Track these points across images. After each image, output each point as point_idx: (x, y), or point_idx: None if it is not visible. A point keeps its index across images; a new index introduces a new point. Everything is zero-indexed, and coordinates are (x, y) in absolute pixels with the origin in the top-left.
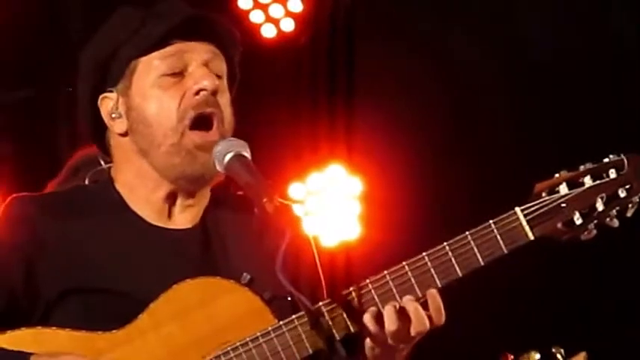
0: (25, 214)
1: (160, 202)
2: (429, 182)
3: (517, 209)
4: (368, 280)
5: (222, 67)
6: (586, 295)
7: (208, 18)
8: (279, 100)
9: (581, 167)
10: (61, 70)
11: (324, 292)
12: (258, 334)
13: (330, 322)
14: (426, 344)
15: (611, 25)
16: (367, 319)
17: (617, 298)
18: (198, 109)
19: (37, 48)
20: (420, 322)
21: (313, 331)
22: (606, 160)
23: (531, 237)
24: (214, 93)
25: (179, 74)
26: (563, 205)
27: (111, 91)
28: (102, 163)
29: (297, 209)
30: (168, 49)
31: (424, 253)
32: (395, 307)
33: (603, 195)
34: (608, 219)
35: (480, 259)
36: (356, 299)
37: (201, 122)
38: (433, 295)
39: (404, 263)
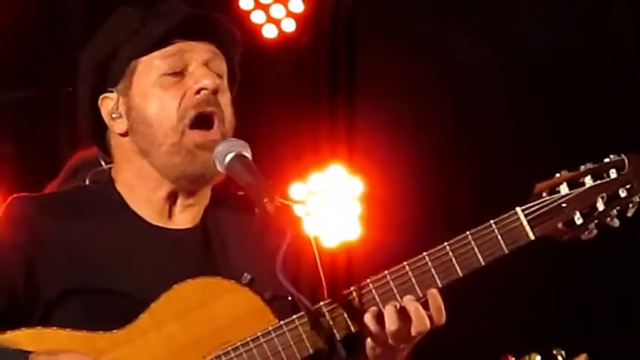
0: (26, 214)
1: (161, 202)
2: (430, 182)
3: (518, 209)
4: (369, 280)
5: (222, 66)
6: (586, 295)
7: (209, 18)
8: (280, 101)
9: (582, 167)
10: (61, 70)
11: (325, 292)
12: (259, 333)
13: (331, 322)
14: (427, 344)
15: (611, 25)
16: (368, 318)
17: (618, 298)
18: (199, 108)
19: (37, 48)
20: (420, 322)
21: (314, 331)
22: (607, 160)
23: (532, 237)
24: (215, 92)
25: (179, 74)
26: (564, 205)
27: (111, 91)
28: (102, 163)
29: (297, 209)
30: (169, 49)
31: (425, 253)
32: (396, 306)
33: (604, 195)
34: (608, 219)
35: (481, 259)
36: (357, 299)
37: (202, 121)
38: (434, 295)
39: (404, 263)
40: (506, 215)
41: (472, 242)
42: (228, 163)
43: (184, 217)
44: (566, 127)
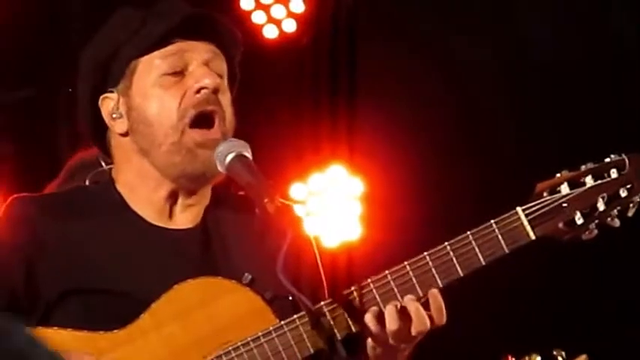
0: (26, 214)
1: (162, 202)
2: (430, 182)
3: (518, 209)
4: (369, 280)
5: (222, 66)
6: (586, 295)
7: (209, 17)
8: (281, 101)
9: (583, 167)
10: (61, 70)
11: (326, 292)
12: (260, 333)
13: (332, 322)
14: (426, 344)
15: (611, 25)
16: (368, 318)
17: (618, 298)
18: (199, 107)
19: (37, 48)
20: (420, 322)
21: (314, 330)
22: (607, 159)
23: (532, 237)
24: (215, 91)
25: (180, 73)
26: (565, 204)
27: (111, 92)
28: (103, 164)
29: (298, 209)
30: (169, 49)
31: (425, 253)
32: (396, 306)
33: (604, 195)
34: (609, 219)
35: (482, 259)
36: (357, 299)
37: (202, 120)
38: (434, 295)
39: (405, 263)
40: (506, 215)
41: (473, 242)
42: (229, 163)
43: (185, 217)
44: (566, 127)
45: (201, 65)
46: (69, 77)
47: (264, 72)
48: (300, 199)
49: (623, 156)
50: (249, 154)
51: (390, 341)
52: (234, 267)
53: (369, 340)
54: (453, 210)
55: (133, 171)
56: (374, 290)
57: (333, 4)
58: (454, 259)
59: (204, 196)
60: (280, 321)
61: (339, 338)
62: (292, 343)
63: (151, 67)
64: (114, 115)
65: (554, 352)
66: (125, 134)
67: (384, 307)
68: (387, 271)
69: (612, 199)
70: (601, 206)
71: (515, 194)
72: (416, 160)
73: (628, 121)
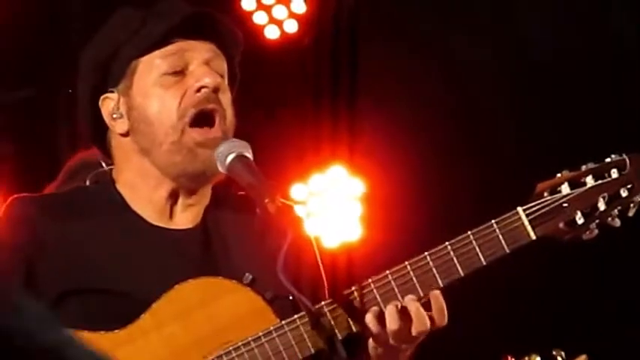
0: (26, 214)
1: (162, 202)
2: (431, 183)
3: (519, 209)
4: (370, 280)
5: (223, 66)
6: (587, 295)
7: (209, 16)
8: (282, 102)
9: (583, 167)
10: (61, 70)
11: (326, 292)
12: (260, 333)
13: (332, 322)
14: (426, 344)
15: (611, 25)
16: (369, 318)
17: (619, 298)
18: (200, 106)
19: (37, 48)
20: (421, 322)
21: (315, 331)
22: (608, 159)
23: (533, 237)
24: (216, 90)
25: (180, 73)
26: (565, 204)
27: (112, 92)
28: (103, 165)
29: (298, 210)
30: (169, 48)
31: (426, 253)
32: (397, 306)
33: (605, 195)
34: (609, 219)
35: (482, 259)
36: (358, 299)
37: (203, 119)
38: (436, 296)
39: (406, 263)
40: (507, 215)
41: (473, 242)
42: (230, 163)
43: (185, 217)
44: (566, 127)
45: (202, 64)
46: (69, 77)
47: (266, 72)
48: (300, 200)
49: (624, 156)
50: (250, 155)
51: (391, 341)
52: (234, 267)
53: (370, 340)
54: (453, 210)
55: (133, 171)
56: (374, 290)
57: (335, 5)
58: (455, 259)
59: (205, 195)
60: (281, 321)
61: (340, 338)
62: (293, 343)
63: (152, 66)
64: (114, 115)
65: (554, 353)
66: (126, 134)
67: (385, 307)
68: (387, 271)
69: (613, 199)
70: (602, 206)
71: (516, 194)
72: (416, 160)
73: (628, 121)
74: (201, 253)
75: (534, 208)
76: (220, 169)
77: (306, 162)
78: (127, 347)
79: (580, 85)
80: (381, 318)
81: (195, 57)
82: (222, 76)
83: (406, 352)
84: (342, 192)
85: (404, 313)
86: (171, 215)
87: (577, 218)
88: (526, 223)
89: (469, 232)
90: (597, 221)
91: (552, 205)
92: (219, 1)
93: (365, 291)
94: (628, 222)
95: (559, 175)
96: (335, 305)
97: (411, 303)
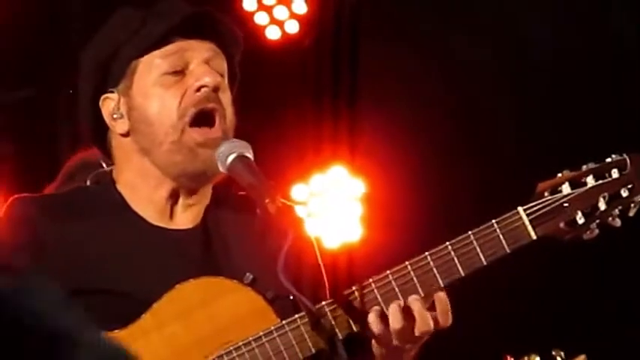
0: (27, 214)
1: (163, 201)
2: (432, 183)
3: (520, 209)
4: (371, 280)
5: (223, 65)
6: (587, 295)
7: (209, 16)
8: (283, 102)
9: (584, 167)
10: (61, 70)
11: (327, 292)
12: (261, 333)
13: (333, 322)
14: (426, 343)
15: (611, 25)
16: (372, 318)
17: (619, 298)
18: (200, 105)
19: (37, 48)
20: (424, 322)
21: (315, 331)
22: (609, 159)
23: (534, 236)
24: (216, 90)
25: (180, 72)
26: (566, 204)
27: (112, 92)
28: (104, 165)
29: (299, 210)
30: (169, 48)
31: (427, 253)
32: (400, 305)
33: (606, 194)
34: (610, 219)
35: (483, 259)
36: (359, 299)
37: (203, 119)
38: (441, 298)
39: (406, 263)
40: (508, 215)
41: (474, 242)
42: (230, 163)
43: (185, 217)
44: (566, 127)
45: (202, 64)
46: (69, 77)
47: (267, 73)
48: (301, 200)
49: (625, 156)
50: (250, 155)
51: (394, 341)
52: (235, 267)
53: (374, 341)
54: (453, 210)
55: (133, 171)
56: (375, 290)
57: (336, 6)
58: (455, 258)
59: (205, 195)
60: (282, 321)
61: (340, 338)
62: (294, 342)
63: (152, 66)
64: (115, 116)
65: (553, 353)
66: (126, 134)
67: (386, 307)
68: (388, 271)
69: (613, 199)
70: (602, 206)
71: (516, 194)
72: (417, 160)
73: (628, 121)
74: (202, 253)
75: (535, 208)
76: (221, 169)
77: (307, 162)
78: (128, 347)
79: (580, 85)
80: (383, 318)
81: (195, 56)
82: (222, 76)
83: (410, 353)
84: (342, 192)
85: (407, 313)
86: (171, 215)
87: (578, 218)
88: (527, 222)
89: (470, 232)
90: (598, 221)
91: (553, 205)
92: (220, 1)
93: (365, 291)
94: (628, 222)
95: (560, 175)
96: (335, 305)
97: (415, 302)
